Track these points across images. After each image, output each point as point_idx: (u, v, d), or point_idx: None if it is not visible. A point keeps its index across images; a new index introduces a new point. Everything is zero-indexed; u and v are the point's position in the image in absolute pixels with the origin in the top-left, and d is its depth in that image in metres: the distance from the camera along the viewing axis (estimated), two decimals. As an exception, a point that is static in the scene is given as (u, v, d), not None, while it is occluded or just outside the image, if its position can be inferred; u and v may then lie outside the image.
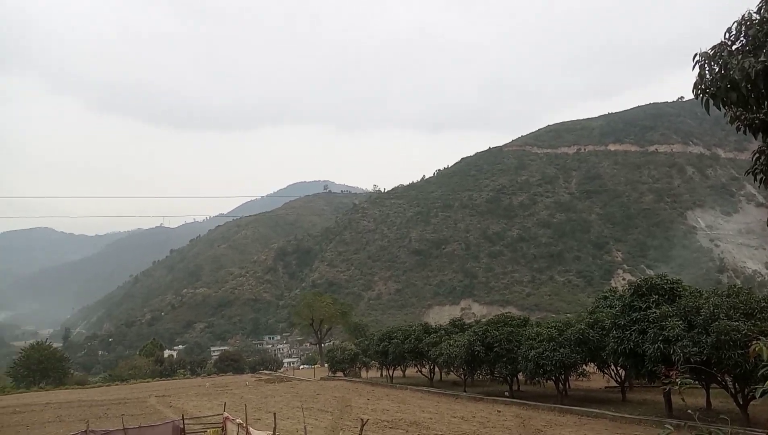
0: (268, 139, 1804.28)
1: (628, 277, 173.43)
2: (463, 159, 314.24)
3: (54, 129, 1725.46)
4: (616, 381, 31.95)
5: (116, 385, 72.82)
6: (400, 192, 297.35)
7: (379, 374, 57.42)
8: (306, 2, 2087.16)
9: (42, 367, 76.69)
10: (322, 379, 61.36)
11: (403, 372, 54.14)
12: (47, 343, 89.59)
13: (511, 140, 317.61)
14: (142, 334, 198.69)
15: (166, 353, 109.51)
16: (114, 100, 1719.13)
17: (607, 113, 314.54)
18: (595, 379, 39.77)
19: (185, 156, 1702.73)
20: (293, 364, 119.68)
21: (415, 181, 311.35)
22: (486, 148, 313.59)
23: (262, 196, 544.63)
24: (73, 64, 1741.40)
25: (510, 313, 45.04)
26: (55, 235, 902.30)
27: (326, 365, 72.72)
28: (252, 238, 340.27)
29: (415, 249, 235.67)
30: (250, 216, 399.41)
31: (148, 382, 74.90)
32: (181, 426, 23.50)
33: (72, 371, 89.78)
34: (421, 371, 49.98)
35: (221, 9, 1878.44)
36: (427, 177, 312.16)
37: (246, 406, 25.10)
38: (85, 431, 22.25)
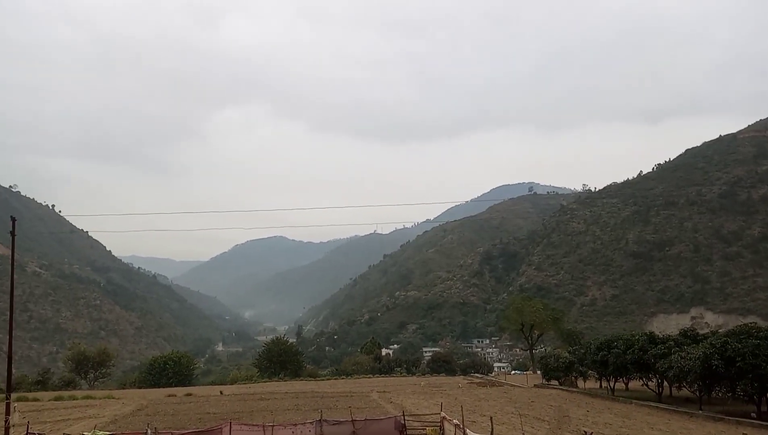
0: (471, 144, 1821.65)
1: None
2: (687, 150, 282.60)
3: (283, 149, 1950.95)
4: None
5: (342, 379, 79.29)
6: (613, 190, 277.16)
7: (597, 385, 54.03)
8: (508, 3, 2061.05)
9: (281, 359, 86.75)
10: (535, 386, 59.72)
11: (626, 384, 50.21)
12: (284, 339, 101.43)
13: (747, 125, 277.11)
14: (362, 333, 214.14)
15: (384, 352, 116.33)
16: (332, 119, 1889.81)
17: None
18: None
19: (394, 166, 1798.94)
20: (503, 368, 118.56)
21: (630, 177, 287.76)
22: (716, 136, 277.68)
23: (467, 201, 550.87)
24: (297, 91, 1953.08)
25: (754, 323, 40.22)
26: (288, 243, 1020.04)
27: (539, 372, 70.63)
28: (458, 243, 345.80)
29: (633, 251, 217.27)
30: (455, 221, 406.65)
31: (369, 377, 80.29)
32: (403, 422, 24.82)
33: (305, 364, 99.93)
34: (647, 385, 45.87)
35: (424, 26, 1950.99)
36: (644, 172, 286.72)
37: (462, 407, 25.52)
38: (319, 420, 24.81)
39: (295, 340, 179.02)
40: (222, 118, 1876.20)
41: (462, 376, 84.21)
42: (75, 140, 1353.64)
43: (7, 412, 26.56)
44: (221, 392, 54.55)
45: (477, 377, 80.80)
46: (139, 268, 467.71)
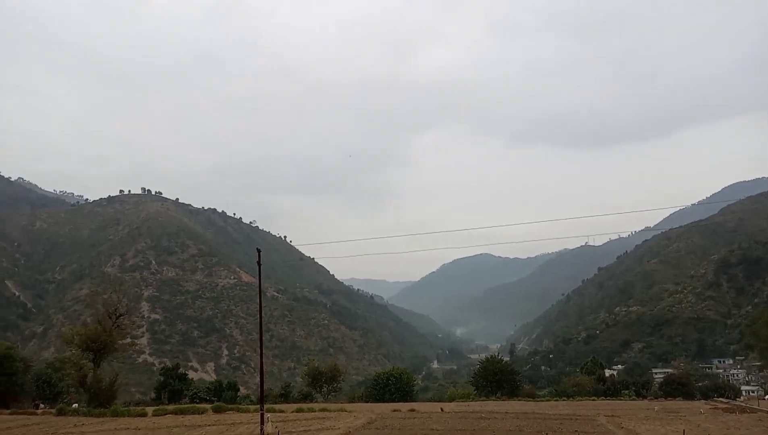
0: (688, 141, 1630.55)
1: None
2: None
3: (484, 166, 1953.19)
4: None
5: (563, 400, 75.53)
6: None
7: None
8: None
9: (497, 378, 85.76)
10: (802, 416, 50.21)
11: None
12: (499, 357, 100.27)
13: None
14: (580, 352, 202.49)
15: (607, 372, 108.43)
16: (530, 130, 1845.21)
17: None
18: None
19: (603, 173, 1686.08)
20: (754, 392, 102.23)
21: None
22: None
23: (692, 205, 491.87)
24: (493, 107, 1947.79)
25: None
26: (494, 260, 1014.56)
27: (806, 400, 59.37)
28: (685, 251, 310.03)
29: None
30: (680, 227, 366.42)
31: (592, 400, 75.23)
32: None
33: (521, 384, 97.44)
34: None
35: (623, 20, 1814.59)
36: None
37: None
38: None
39: (508, 359, 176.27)
40: (423, 143, 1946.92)
41: (703, 401, 74.47)
42: (296, 177, 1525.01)
43: (262, 422, 30.45)
44: (441, 409, 55.68)
45: (722, 402, 70.72)
46: (358, 289, 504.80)
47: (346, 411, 50.90)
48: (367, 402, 76.09)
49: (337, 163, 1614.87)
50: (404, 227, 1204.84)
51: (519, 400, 75.90)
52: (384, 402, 73.41)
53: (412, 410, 52.62)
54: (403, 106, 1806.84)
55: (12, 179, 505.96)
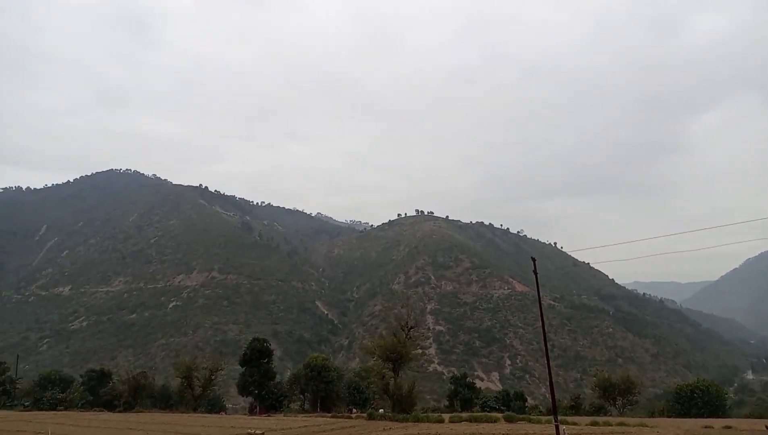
0: None
1: None
2: None
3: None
4: None
5: None
6: None
7: None
8: None
9: None
10: None
11: None
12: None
13: None
14: None
15: None
16: None
17: None
18: None
19: None
20: None
21: None
22: None
23: None
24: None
25: None
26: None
27: None
28: None
29: None
30: None
31: None
32: None
33: None
34: None
35: None
36: None
37: None
38: None
39: None
40: (700, 126, 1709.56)
41: None
42: (561, 180, 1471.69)
43: (558, 433, 29.63)
44: (766, 427, 47.16)
45: None
46: (644, 293, 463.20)
47: (647, 426, 46.70)
48: (670, 417, 68.74)
49: (604, 159, 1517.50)
50: (690, 221, 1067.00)
51: None
52: (689, 417, 65.45)
53: (728, 427, 45.76)
54: (673, 87, 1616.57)
55: (312, 215, 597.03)
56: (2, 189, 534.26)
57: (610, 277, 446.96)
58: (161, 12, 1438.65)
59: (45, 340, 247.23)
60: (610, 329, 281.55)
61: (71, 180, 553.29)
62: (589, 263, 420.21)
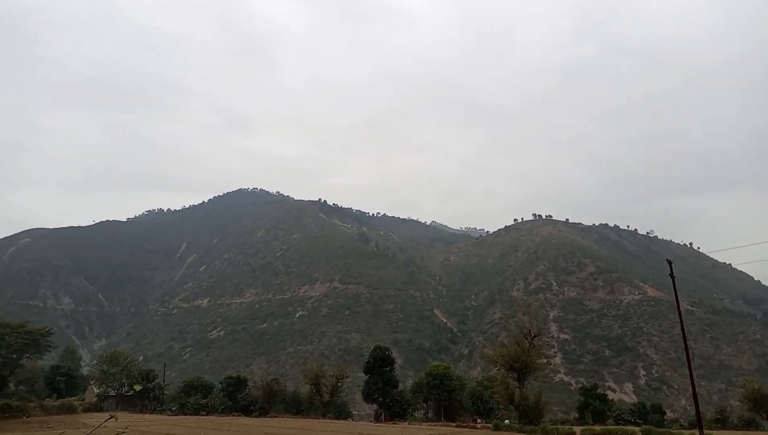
0: None
1: None
2: None
3: None
4: None
5: None
6: None
7: None
8: None
9: None
10: None
11: None
12: None
13: None
14: None
15: None
16: None
17: None
18: None
19: None
20: None
21: None
22: None
23: None
24: None
25: None
26: None
27: None
28: None
29: None
30: None
31: None
32: None
33: None
34: None
35: None
36: None
37: None
38: None
39: None
40: None
41: None
42: (694, 176, 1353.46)
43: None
44: None
45: None
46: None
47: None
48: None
49: (741, 151, 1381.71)
50: None
51: None
52: None
53: None
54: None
55: (427, 223, 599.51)
56: (147, 211, 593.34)
57: (756, 279, 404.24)
58: (277, 37, 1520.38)
59: (187, 349, 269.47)
60: (758, 335, 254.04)
61: (205, 200, 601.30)
62: (731, 264, 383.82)
